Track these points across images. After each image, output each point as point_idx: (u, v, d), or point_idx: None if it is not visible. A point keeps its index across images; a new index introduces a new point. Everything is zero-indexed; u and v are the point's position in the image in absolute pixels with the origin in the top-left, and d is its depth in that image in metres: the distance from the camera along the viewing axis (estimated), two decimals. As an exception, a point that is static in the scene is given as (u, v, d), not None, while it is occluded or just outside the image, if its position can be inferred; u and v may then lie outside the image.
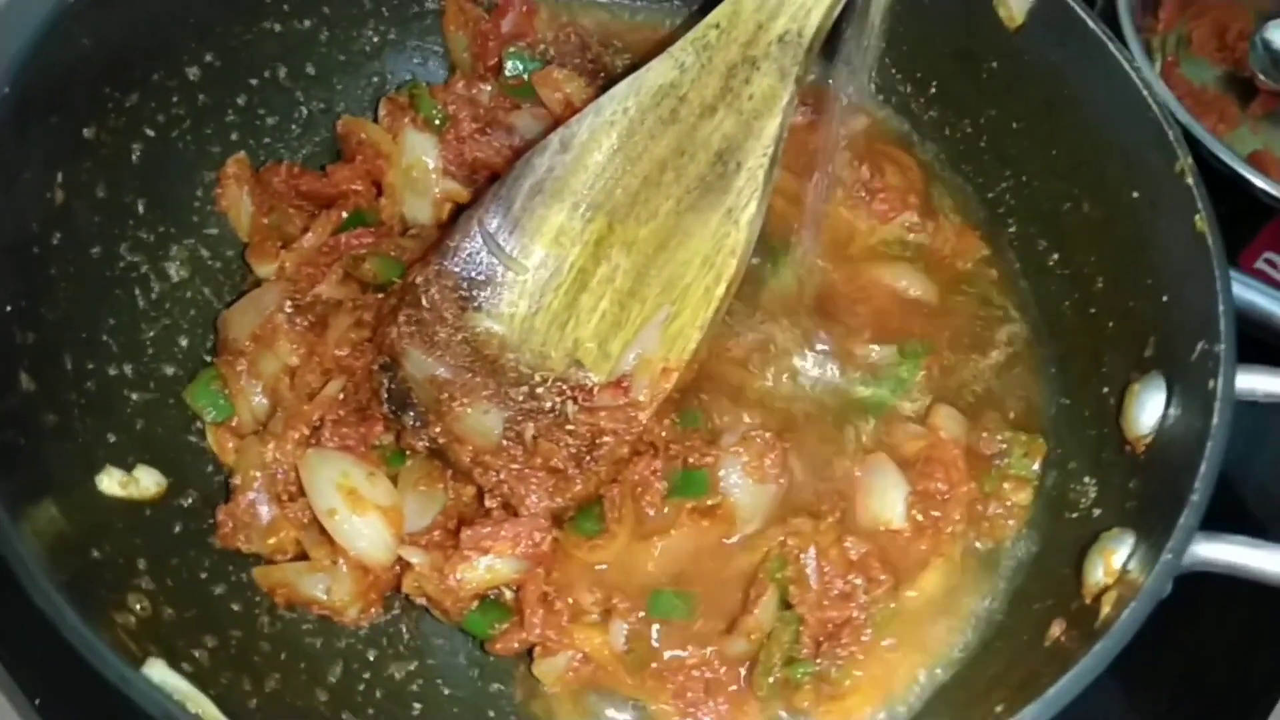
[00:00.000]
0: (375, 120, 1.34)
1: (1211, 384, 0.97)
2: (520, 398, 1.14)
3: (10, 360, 0.99)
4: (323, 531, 1.10)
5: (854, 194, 1.33)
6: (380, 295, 1.21)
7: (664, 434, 1.15)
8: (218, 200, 1.25)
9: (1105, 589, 0.96)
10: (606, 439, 1.12)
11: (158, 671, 0.88)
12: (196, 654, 0.99)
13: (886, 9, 1.16)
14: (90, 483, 1.04)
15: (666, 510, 1.12)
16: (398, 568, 1.11)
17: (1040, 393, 1.23)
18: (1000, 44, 1.23)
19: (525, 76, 1.33)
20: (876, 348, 1.21)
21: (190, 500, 1.12)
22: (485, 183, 1.27)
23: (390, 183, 1.28)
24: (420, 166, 1.29)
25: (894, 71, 1.37)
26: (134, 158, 1.16)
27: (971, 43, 1.26)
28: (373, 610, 1.12)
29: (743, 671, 1.07)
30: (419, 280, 1.17)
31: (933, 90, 1.35)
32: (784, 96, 1.14)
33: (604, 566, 1.11)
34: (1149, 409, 1.05)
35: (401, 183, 1.28)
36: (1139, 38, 1.44)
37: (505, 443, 1.12)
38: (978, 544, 1.14)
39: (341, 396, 1.16)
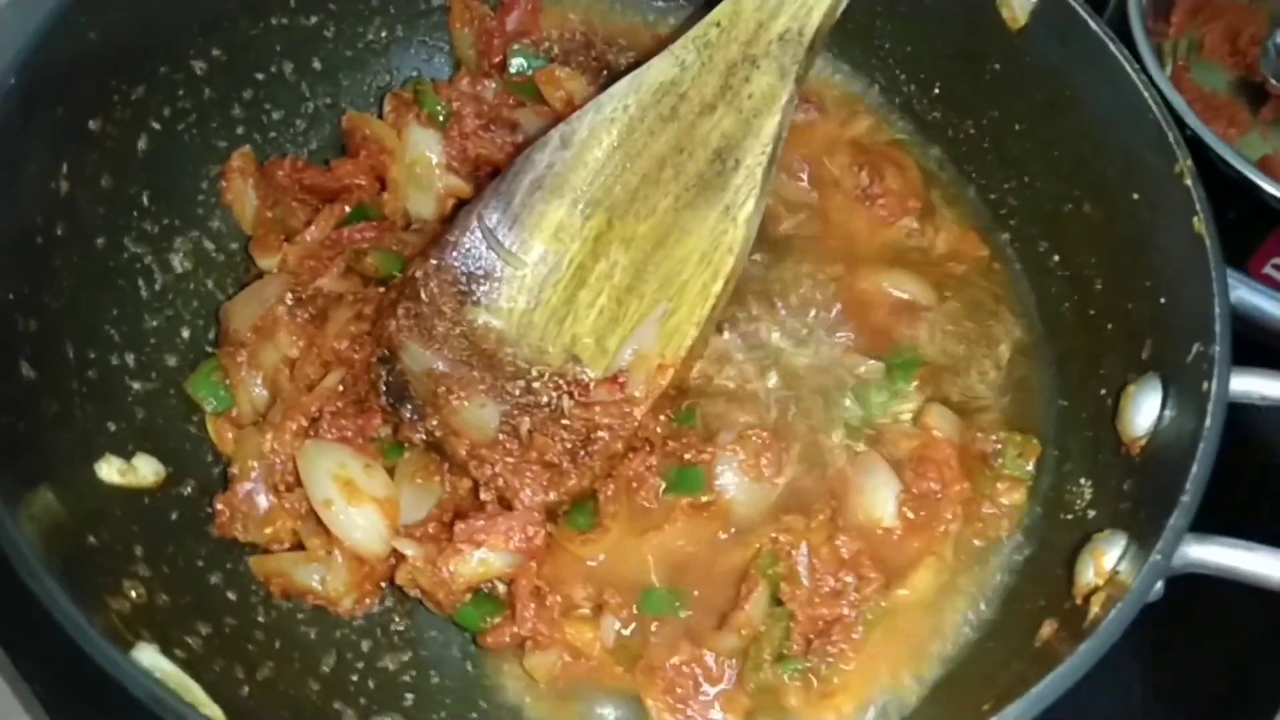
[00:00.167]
0: (380, 116, 1.35)
1: (1206, 385, 0.97)
2: (517, 392, 1.14)
3: (11, 348, 1.00)
4: (319, 522, 1.11)
5: (854, 198, 1.33)
6: (381, 289, 1.22)
7: (660, 430, 1.15)
8: (222, 193, 1.26)
9: (1095, 590, 0.96)
10: (601, 434, 1.12)
11: (147, 655, 0.88)
12: (190, 641, 1.00)
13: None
14: (89, 470, 1.05)
15: (661, 506, 1.13)
16: (393, 559, 1.12)
17: (1038, 394, 1.23)
18: (1003, 45, 1.23)
19: (529, 74, 1.34)
20: (866, 363, 1.21)
21: (189, 489, 1.13)
22: (488, 179, 1.27)
23: (394, 178, 1.29)
24: (424, 162, 1.30)
25: (898, 72, 1.37)
26: (139, 150, 1.17)
27: (974, 43, 1.26)
28: (367, 601, 1.13)
29: (732, 668, 1.07)
30: (418, 274, 1.17)
31: (936, 91, 1.35)
32: (783, 95, 1.14)
33: (597, 561, 1.11)
34: (1144, 410, 1.05)
35: (405, 178, 1.29)
36: (1149, 42, 1.44)
37: (501, 436, 1.12)
38: (972, 543, 1.14)
39: (340, 389, 1.17)
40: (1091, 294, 1.19)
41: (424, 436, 1.14)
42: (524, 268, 1.18)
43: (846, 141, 1.38)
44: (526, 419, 1.13)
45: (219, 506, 1.12)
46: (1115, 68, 1.12)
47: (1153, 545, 0.91)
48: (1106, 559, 0.98)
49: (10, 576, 0.87)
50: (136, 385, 1.14)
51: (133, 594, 0.98)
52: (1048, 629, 0.99)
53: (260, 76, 1.28)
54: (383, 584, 1.14)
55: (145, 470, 1.10)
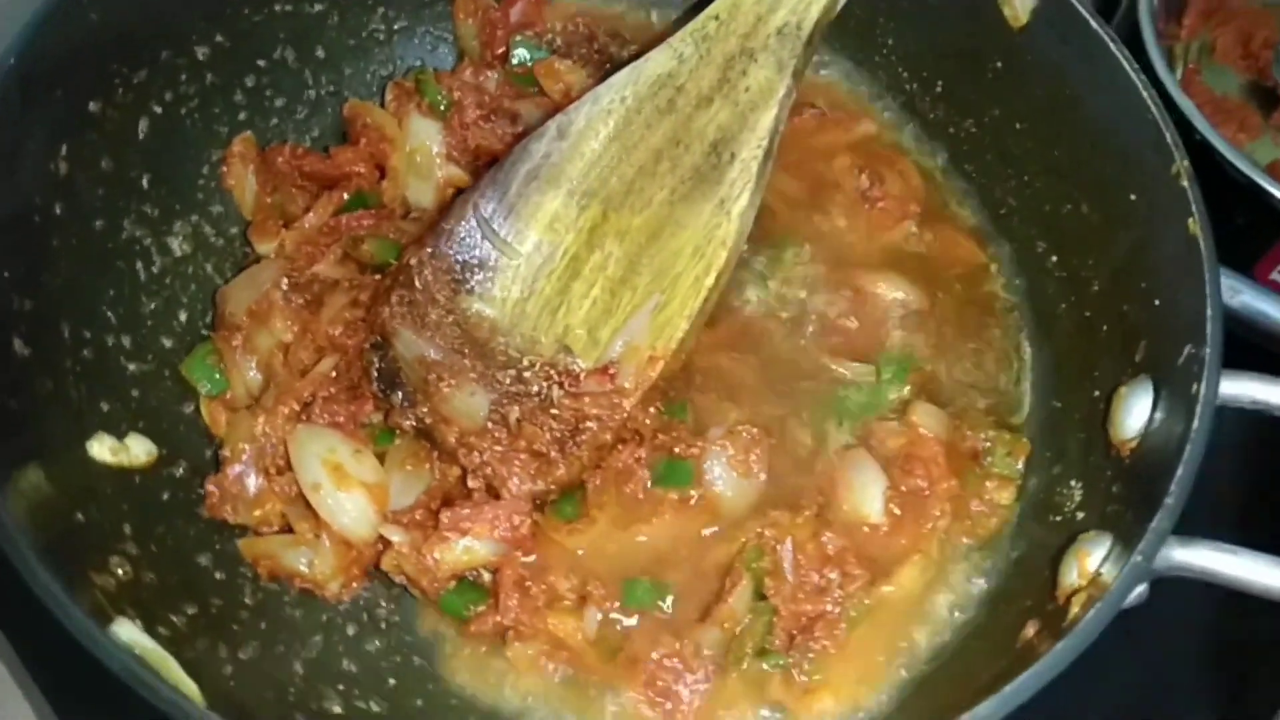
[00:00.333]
0: (382, 105, 1.35)
1: (1195, 387, 0.96)
2: (507, 381, 1.14)
3: (5, 326, 1.01)
4: (308, 506, 1.12)
5: (854, 200, 1.33)
6: (377, 277, 1.23)
7: (649, 423, 1.15)
8: (223, 178, 1.27)
9: (1077, 590, 0.95)
10: (590, 424, 1.12)
11: (126, 630, 0.89)
12: (175, 619, 1.00)
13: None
14: (81, 448, 1.06)
15: (648, 498, 1.13)
16: (380, 545, 1.12)
17: (1032, 396, 1.22)
18: (1004, 43, 1.22)
19: (531, 65, 1.35)
20: (858, 364, 1.21)
21: (180, 471, 1.14)
22: (487, 169, 1.28)
23: (393, 166, 1.30)
24: (424, 151, 1.30)
25: (900, 70, 1.37)
26: (140, 133, 1.18)
27: (976, 42, 1.26)
28: (354, 585, 1.13)
29: (713, 662, 1.07)
30: (413, 261, 1.18)
31: (938, 89, 1.34)
32: (780, 89, 1.14)
33: (582, 552, 1.11)
34: (1135, 413, 1.05)
35: (405, 166, 1.30)
36: (1159, 44, 1.43)
37: (490, 425, 1.13)
38: (960, 541, 1.14)
39: (333, 374, 1.18)
40: (1088, 295, 1.19)
41: (414, 423, 1.14)
42: (518, 258, 1.18)
43: (848, 144, 1.38)
44: (516, 408, 1.13)
45: (209, 488, 1.13)
46: (1115, 67, 1.11)
47: (1135, 547, 0.90)
48: (1090, 560, 0.97)
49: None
50: (132, 366, 1.15)
51: (119, 571, 0.99)
52: (1031, 629, 0.99)
53: (263, 63, 1.29)
54: (370, 569, 1.14)
55: (137, 450, 1.11)
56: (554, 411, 1.13)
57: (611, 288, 1.16)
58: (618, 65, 1.34)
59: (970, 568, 1.13)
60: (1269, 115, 1.52)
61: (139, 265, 1.19)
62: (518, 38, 1.36)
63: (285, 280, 1.21)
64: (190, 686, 0.89)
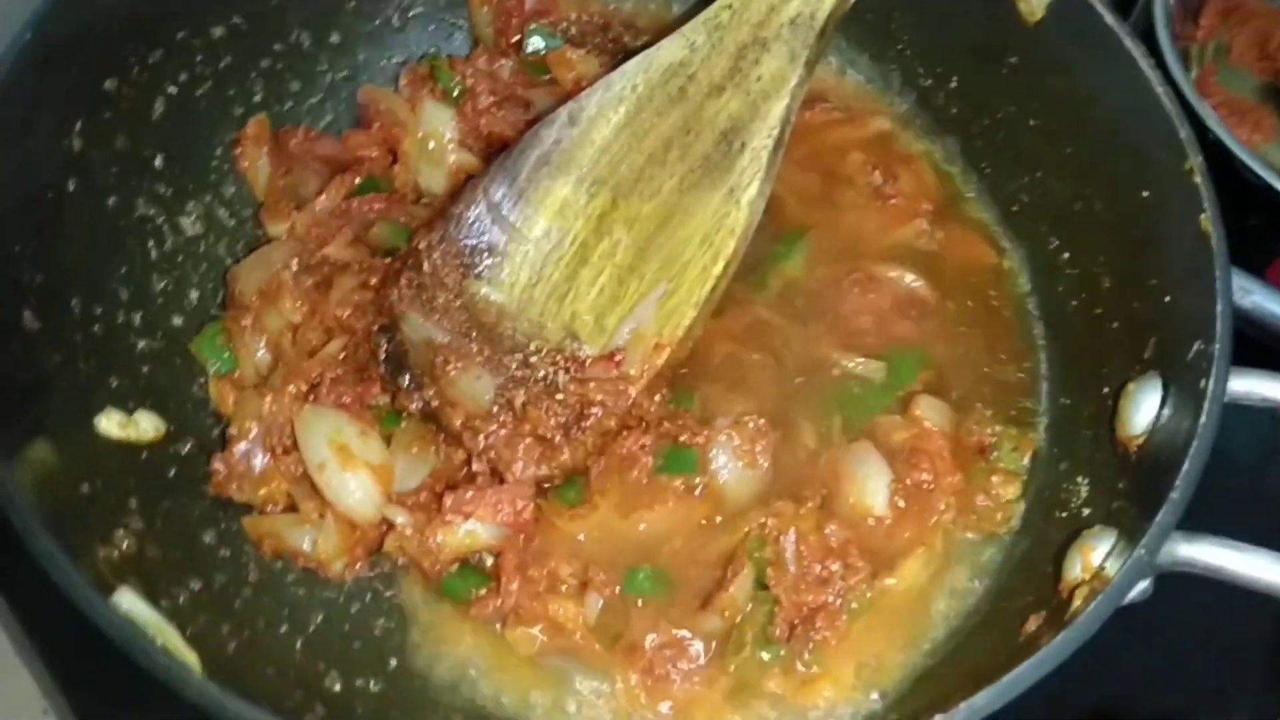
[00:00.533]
0: (397, 91, 1.36)
1: (1204, 384, 0.95)
2: (513, 365, 1.15)
3: (16, 299, 1.02)
4: (313, 485, 1.12)
5: (866, 196, 1.32)
6: (387, 260, 1.23)
7: (654, 410, 1.15)
8: (236, 160, 1.28)
9: (1080, 584, 0.95)
10: (595, 410, 1.12)
11: (126, 600, 0.89)
12: (178, 594, 1.01)
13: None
14: (89, 422, 1.06)
15: (652, 486, 1.13)
16: (384, 526, 1.12)
17: (1041, 392, 1.22)
18: (1019, 39, 1.22)
19: (545, 54, 1.35)
20: (863, 360, 1.20)
21: (187, 448, 1.15)
22: (499, 156, 1.28)
23: (406, 151, 1.30)
24: (436, 137, 1.31)
25: (915, 65, 1.37)
26: (155, 113, 1.19)
27: (991, 36, 1.25)
28: (357, 565, 1.13)
29: (713, 651, 1.06)
30: (422, 245, 1.18)
31: (952, 84, 1.34)
32: (792, 79, 1.14)
33: (584, 537, 1.11)
34: (1143, 409, 1.04)
35: (416, 152, 1.30)
36: (1175, 45, 1.42)
37: (495, 409, 1.13)
38: (965, 535, 1.13)
39: (342, 356, 1.18)
40: (1099, 292, 1.18)
41: (420, 406, 1.15)
42: (527, 243, 1.18)
43: (861, 141, 1.38)
44: (521, 392, 1.13)
45: (216, 465, 1.13)
46: (1129, 63, 1.11)
47: (1139, 541, 0.89)
48: (1095, 554, 0.97)
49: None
50: (141, 343, 1.16)
51: (123, 545, 1.00)
52: (1033, 623, 0.98)
53: (279, 47, 1.30)
54: (374, 550, 1.14)
55: (145, 426, 1.12)
56: (559, 397, 1.13)
57: (619, 275, 1.16)
58: (631, 55, 1.34)
59: (974, 562, 1.13)
60: (1285, 117, 1.52)
61: (151, 243, 1.19)
62: (532, 26, 1.36)
63: (295, 261, 1.21)
64: (189, 657, 0.89)
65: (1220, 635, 1.23)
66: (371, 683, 1.07)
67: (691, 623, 1.07)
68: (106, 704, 1.19)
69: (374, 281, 1.21)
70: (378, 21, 1.36)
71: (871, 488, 1.11)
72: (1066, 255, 1.24)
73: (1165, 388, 1.03)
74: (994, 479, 1.14)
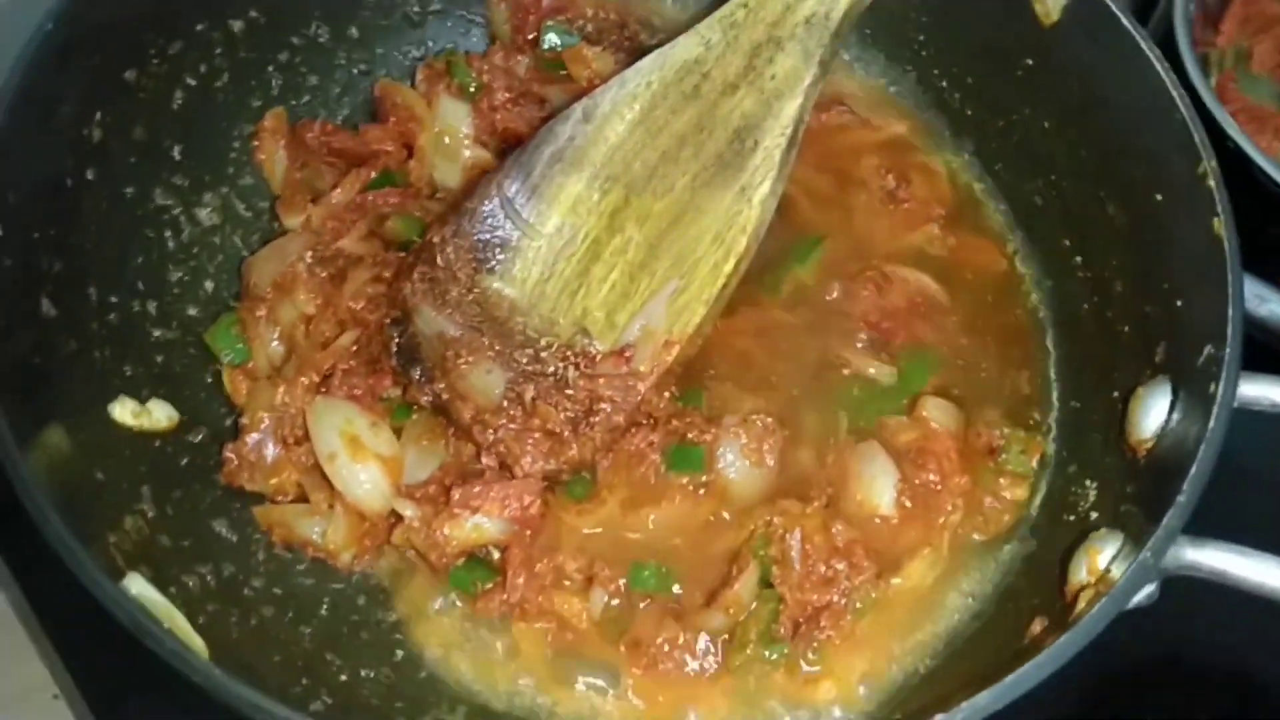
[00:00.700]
0: (413, 86, 1.36)
1: (1213, 388, 0.95)
2: (524, 360, 1.15)
3: (34, 285, 1.03)
4: (324, 476, 1.13)
5: (879, 200, 1.32)
6: (401, 254, 1.24)
7: (663, 407, 1.15)
8: (254, 152, 1.29)
9: (1085, 588, 0.95)
10: (604, 406, 1.13)
11: (135, 584, 0.91)
12: (187, 581, 1.02)
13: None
14: (103, 410, 1.08)
15: (659, 483, 1.13)
16: (394, 518, 1.13)
17: (1051, 396, 1.22)
18: (1035, 41, 1.22)
19: (561, 51, 1.35)
20: (873, 363, 1.20)
21: (200, 437, 1.16)
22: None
23: (421, 146, 1.31)
24: (452, 132, 1.31)
25: (931, 67, 1.37)
26: (174, 104, 1.20)
27: (1007, 39, 1.25)
28: (366, 557, 1.14)
29: (717, 648, 1.07)
30: (436, 239, 1.19)
31: (968, 86, 1.34)
32: (806, 78, 1.14)
33: (590, 532, 1.12)
34: (1153, 413, 1.04)
35: (432, 146, 1.31)
36: (1194, 51, 1.42)
37: (505, 403, 1.13)
38: (971, 537, 1.13)
39: (354, 348, 1.19)
40: (1111, 297, 1.18)
41: (430, 398, 1.15)
42: (540, 239, 1.18)
43: (876, 144, 1.38)
44: (531, 387, 1.13)
45: (228, 454, 1.15)
46: (1144, 66, 1.10)
47: (1145, 544, 0.89)
48: (1101, 558, 0.96)
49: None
50: (157, 332, 1.17)
51: (134, 531, 1.01)
52: (1038, 625, 0.98)
53: (297, 40, 1.31)
54: (382, 541, 1.15)
55: (159, 414, 1.13)
56: (569, 392, 1.13)
57: (631, 272, 1.16)
58: (647, 53, 1.34)
59: (980, 563, 1.13)
60: (1306, 126, 1.51)
61: (168, 234, 1.20)
62: (549, 23, 1.37)
63: (310, 254, 1.22)
64: (197, 642, 0.90)
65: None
66: (377, 673, 1.08)
67: (696, 619, 1.07)
68: (117, 689, 1.20)
69: (388, 275, 1.22)
70: (396, 16, 1.37)
71: (878, 488, 1.11)
72: (1079, 258, 1.24)
73: (1175, 392, 1.03)
74: (1001, 481, 1.14)
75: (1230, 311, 0.97)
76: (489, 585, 1.10)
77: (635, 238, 1.17)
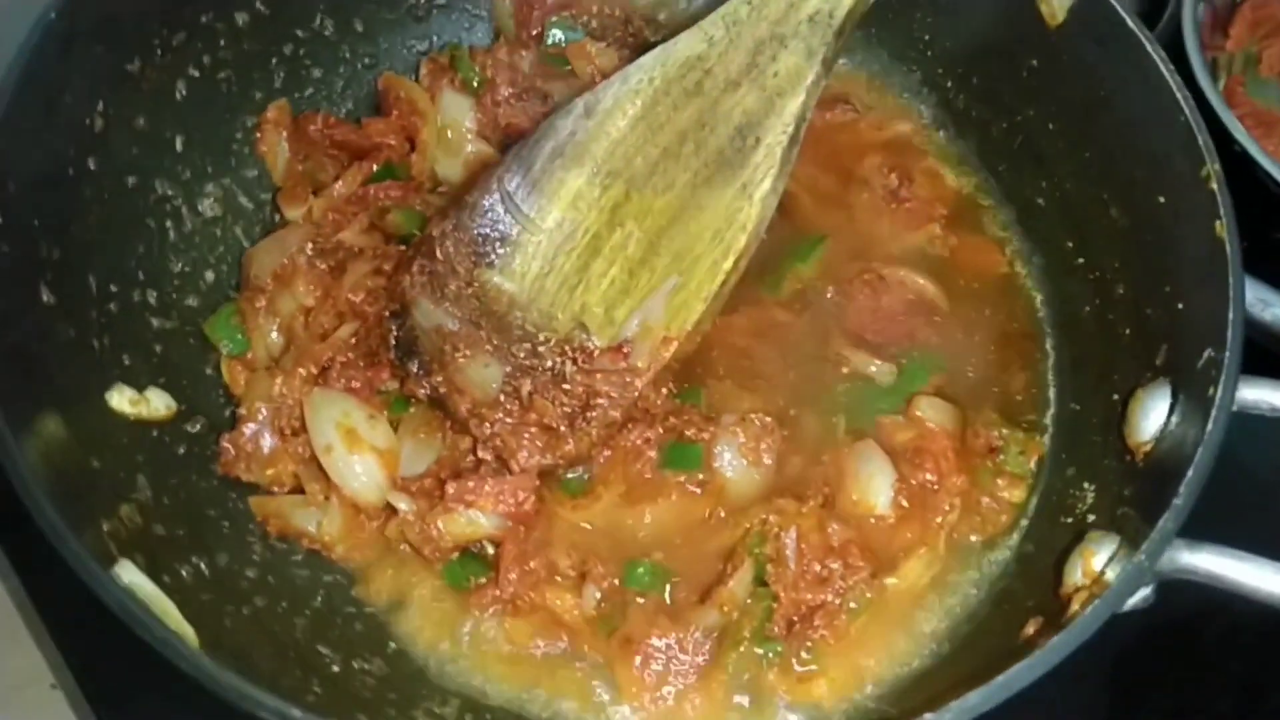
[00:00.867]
0: (417, 80, 1.37)
1: (1212, 391, 0.94)
2: (522, 355, 1.15)
3: (32, 272, 1.03)
4: (320, 468, 1.13)
5: (881, 199, 1.32)
6: (402, 248, 1.24)
7: (661, 404, 1.15)
8: (256, 144, 1.29)
9: (1080, 589, 0.94)
10: (601, 401, 1.12)
11: (128, 572, 0.90)
12: (181, 570, 1.02)
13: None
14: (101, 398, 1.08)
15: (655, 479, 1.13)
16: (389, 511, 1.13)
17: (1050, 398, 1.21)
18: (1041, 42, 1.21)
19: (565, 46, 1.35)
20: (873, 362, 1.20)
21: (198, 427, 1.16)
22: (516, 147, 1.29)
23: (424, 140, 1.31)
24: (455, 126, 1.32)
25: (936, 66, 1.37)
26: (177, 95, 1.20)
27: (1012, 38, 1.25)
28: (361, 548, 1.14)
29: (710, 645, 1.06)
30: (436, 233, 1.19)
31: (973, 85, 1.34)
32: (809, 76, 1.13)
33: (586, 528, 1.12)
34: (1152, 416, 1.03)
35: (434, 140, 1.31)
36: (1203, 54, 1.41)
37: (502, 397, 1.13)
38: (968, 538, 1.13)
39: (353, 340, 1.19)
40: (1112, 298, 1.17)
41: (428, 391, 1.15)
42: (540, 234, 1.18)
43: (880, 143, 1.38)
44: (528, 381, 1.13)
45: (225, 445, 1.15)
46: (1149, 67, 1.10)
47: (1140, 547, 0.88)
48: (1096, 560, 0.96)
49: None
50: (156, 322, 1.18)
51: (129, 519, 1.01)
52: (1032, 627, 0.98)
53: (301, 33, 1.31)
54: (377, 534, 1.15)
55: (157, 403, 1.13)
56: (566, 387, 1.13)
57: (630, 267, 1.16)
58: (650, 49, 1.34)
59: (976, 564, 1.12)
60: (1315, 130, 1.50)
61: (169, 224, 1.21)
62: (553, 18, 1.37)
63: (310, 245, 1.22)
64: (186, 630, 0.90)
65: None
66: (371, 665, 1.08)
67: (690, 617, 1.07)
68: (115, 680, 1.20)
69: (388, 268, 1.22)
70: (401, 10, 1.38)
71: (875, 487, 1.11)
72: (1081, 260, 1.23)
73: (1174, 395, 1.02)
74: (999, 482, 1.13)
75: (1230, 314, 0.97)
76: (482, 580, 1.10)
77: (635, 234, 1.16)
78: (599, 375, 1.13)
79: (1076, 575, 0.97)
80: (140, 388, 1.12)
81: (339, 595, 1.12)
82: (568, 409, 1.13)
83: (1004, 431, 1.15)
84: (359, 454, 1.12)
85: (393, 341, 1.17)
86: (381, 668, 1.08)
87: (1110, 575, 0.92)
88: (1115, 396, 1.11)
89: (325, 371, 1.17)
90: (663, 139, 1.17)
